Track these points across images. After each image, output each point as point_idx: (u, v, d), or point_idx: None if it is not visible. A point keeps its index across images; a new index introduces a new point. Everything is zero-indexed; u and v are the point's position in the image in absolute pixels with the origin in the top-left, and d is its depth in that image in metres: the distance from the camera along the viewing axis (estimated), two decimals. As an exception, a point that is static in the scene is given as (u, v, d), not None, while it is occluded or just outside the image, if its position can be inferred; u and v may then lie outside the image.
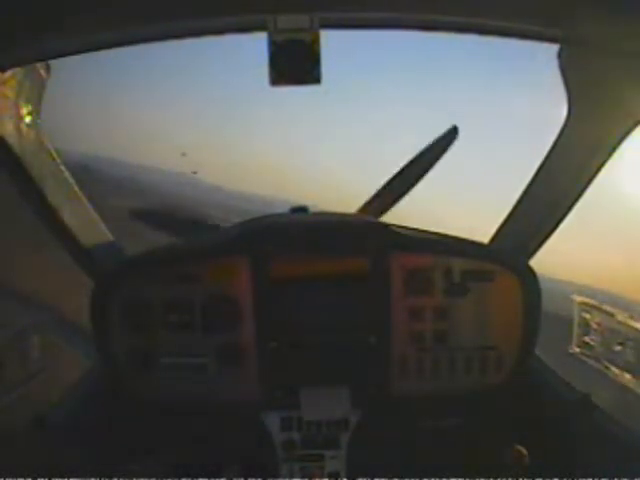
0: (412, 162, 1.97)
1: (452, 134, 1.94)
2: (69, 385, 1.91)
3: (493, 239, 2.13)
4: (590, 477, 1.49)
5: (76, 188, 1.82)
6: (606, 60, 1.45)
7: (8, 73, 1.42)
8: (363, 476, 1.69)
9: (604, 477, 1.47)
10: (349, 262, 1.76)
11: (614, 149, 1.65)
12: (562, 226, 1.91)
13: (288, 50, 1.29)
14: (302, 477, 1.81)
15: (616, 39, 1.27)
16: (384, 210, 2.04)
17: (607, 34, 1.27)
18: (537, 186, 1.93)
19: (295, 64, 1.30)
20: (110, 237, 2.02)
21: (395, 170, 2.01)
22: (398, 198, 2.04)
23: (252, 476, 1.78)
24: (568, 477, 1.54)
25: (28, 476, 1.38)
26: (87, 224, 1.87)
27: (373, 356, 1.79)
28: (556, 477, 1.57)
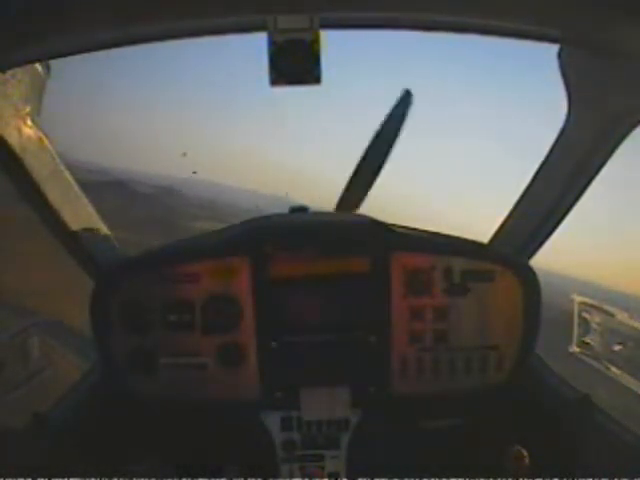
0: (374, 141, 1.90)
1: (406, 99, 1.86)
2: (69, 385, 1.91)
3: (493, 239, 2.13)
4: (590, 477, 1.49)
5: (76, 188, 1.82)
6: (606, 60, 1.44)
7: (8, 73, 1.42)
8: (363, 476, 1.69)
9: (604, 477, 1.47)
10: (349, 262, 1.76)
11: (614, 149, 1.65)
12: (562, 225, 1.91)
13: (288, 50, 1.29)
14: (302, 477, 1.81)
15: (616, 39, 1.27)
16: (362, 197, 1.99)
17: (607, 34, 1.27)
18: (537, 186, 1.93)
19: (295, 64, 1.30)
20: (110, 237, 2.02)
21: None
22: (372, 181, 1.97)
23: (252, 476, 1.78)
24: (568, 477, 1.54)
25: (28, 476, 1.38)
26: (87, 224, 1.87)
27: (373, 356, 1.79)
28: (556, 477, 1.57)
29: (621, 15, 1.12)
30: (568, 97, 1.69)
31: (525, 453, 1.65)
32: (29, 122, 1.56)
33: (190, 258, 1.78)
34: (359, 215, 2.03)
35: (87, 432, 1.77)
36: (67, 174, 1.77)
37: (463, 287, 1.78)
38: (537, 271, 1.82)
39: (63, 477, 1.44)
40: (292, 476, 1.82)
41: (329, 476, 1.82)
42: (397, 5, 1.32)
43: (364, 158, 1.93)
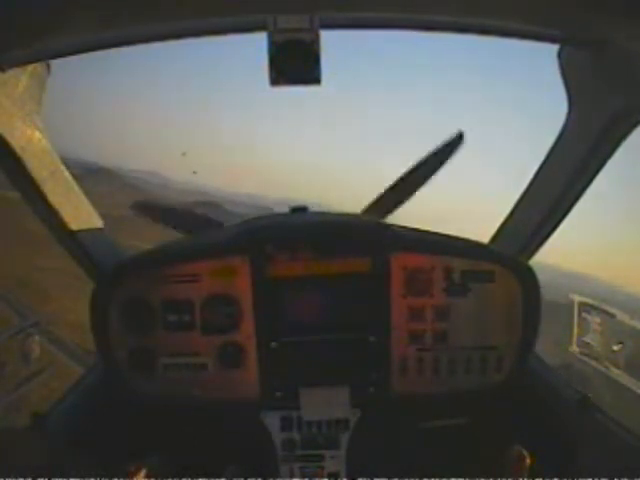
0: (417, 166, 1.96)
1: (457, 140, 1.93)
2: (69, 385, 1.91)
3: (493, 239, 2.13)
4: (590, 477, 1.49)
5: (76, 188, 1.82)
6: (606, 60, 1.45)
7: (8, 73, 1.42)
8: (363, 476, 1.69)
9: (604, 477, 1.47)
10: (349, 262, 1.76)
11: (614, 149, 1.65)
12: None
13: (288, 50, 1.30)
14: (302, 477, 1.81)
15: (616, 39, 1.27)
16: (387, 213, 2.03)
17: (607, 34, 1.27)
18: (537, 186, 1.93)
19: (295, 64, 1.31)
20: (110, 237, 2.02)
21: (396, 172, 2.01)
22: (401, 202, 2.02)
23: (252, 476, 1.78)
24: (568, 477, 1.54)
25: (28, 476, 1.38)
26: (87, 224, 1.87)
27: (373, 356, 1.79)
28: (556, 477, 1.57)
29: (621, 15, 1.12)
30: (568, 97, 1.69)
31: (525, 453, 1.65)
32: (29, 122, 1.56)
33: (190, 258, 1.78)
34: (359, 215, 2.03)
35: (87, 432, 1.77)
36: (67, 174, 1.77)
37: (463, 287, 1.79)
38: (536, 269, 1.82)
39: (63, 477, 1.44)
40: (292, 476, 1.82)
41: (329, 476, 1.82)
42: (397, 5, 1.32)
43: (403, 177, 1.97)
